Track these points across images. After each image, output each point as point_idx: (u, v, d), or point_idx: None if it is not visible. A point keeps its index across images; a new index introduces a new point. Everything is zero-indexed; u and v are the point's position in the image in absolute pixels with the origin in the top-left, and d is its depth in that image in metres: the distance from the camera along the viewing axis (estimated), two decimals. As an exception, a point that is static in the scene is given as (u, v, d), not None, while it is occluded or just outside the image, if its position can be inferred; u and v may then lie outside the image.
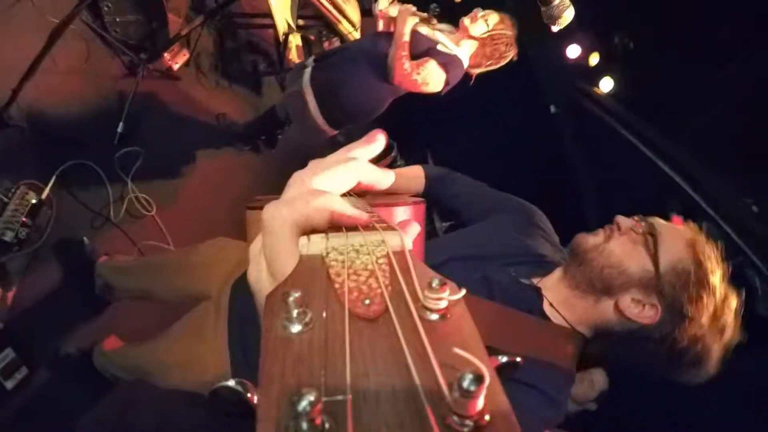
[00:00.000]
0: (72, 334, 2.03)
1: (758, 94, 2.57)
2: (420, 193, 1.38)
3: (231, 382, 0.27)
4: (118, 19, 2.42)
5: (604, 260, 1.02)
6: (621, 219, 1.06)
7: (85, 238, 2.15)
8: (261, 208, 0.38)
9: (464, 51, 2.27)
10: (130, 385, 1.87)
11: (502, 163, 3.09)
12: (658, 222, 1.04)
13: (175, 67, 2.70)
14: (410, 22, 2.14)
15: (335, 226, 0.38)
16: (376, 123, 3.61)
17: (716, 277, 0.97)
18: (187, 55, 2.77)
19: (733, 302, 0.99)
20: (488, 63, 2.35)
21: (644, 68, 3.39)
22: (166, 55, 2.58)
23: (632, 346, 1.02)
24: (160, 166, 2.65)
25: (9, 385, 1.79)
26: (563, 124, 4.13)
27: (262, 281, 0.38)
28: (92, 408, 1.99)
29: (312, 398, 0.20)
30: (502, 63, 2.37)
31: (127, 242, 2.41)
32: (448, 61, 2.18)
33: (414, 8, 2.19)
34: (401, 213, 0.51)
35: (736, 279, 1.03)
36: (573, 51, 3.83)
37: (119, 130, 2.40)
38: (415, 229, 0.41)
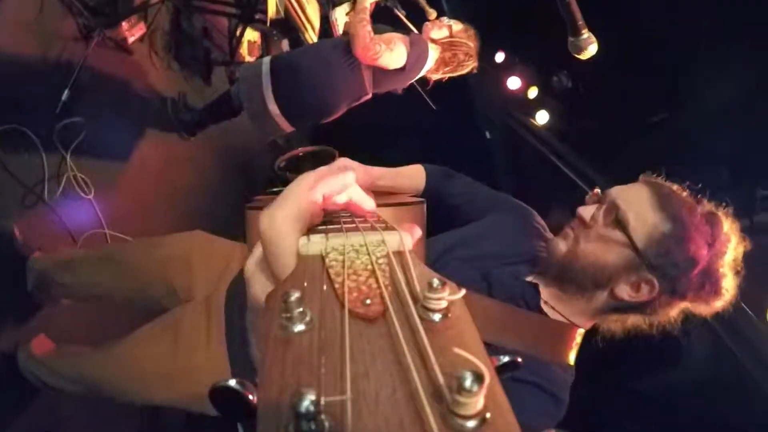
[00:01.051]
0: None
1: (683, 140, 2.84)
2: (420, 191, 1.36)
3: (231, 382, 0.27)
4: (81, -24, 2.17)
5: (582, 262, 1.01)
6: (582, 211, 1.05)
7: (16, 229, 1.86)
8: (261, 208, 0.38)
9: None
10: (58, 396, 1.66)
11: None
12: (616, 195, 1.02)
13: (130, 39, 2.46)
14: None
15: (327, 210, 0.39)
16: (322, 131, 3.50)
17: (695, 217, 0.97)
18: (144, 30, 2.55)
19: (723, 224, 0.99)
20: (446, 69, 2.35)
21: (579, 106, 3.64)
22: (124, 24, 2.33)
23: (646, 311, 1.02)
24: (101, 145, 2.40)
25: None
26: (497, 149, 4.33)
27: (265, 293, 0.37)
28: (9, 416, 1.75)
29: (312, 398, 0.20)
30: (460, 72, 2.39)
31: (59, 225, 2.11)
32: (409, 34, 2.19)
33: None
34: (402, 213, 0.51)
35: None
36: (514, 83, 4.03)
37: (63, 98, 2.14)
38: (417, 233, 0.41)
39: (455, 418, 0.21)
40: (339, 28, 3.03)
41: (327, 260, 0.33)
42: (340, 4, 3.28)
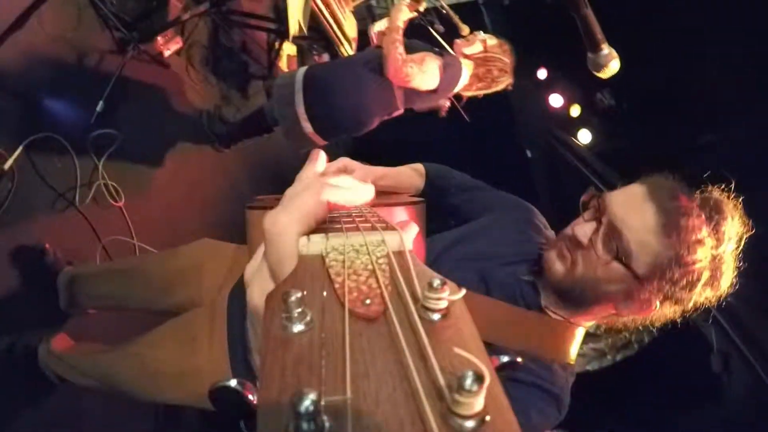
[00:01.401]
0: (18, 326, 1.82)
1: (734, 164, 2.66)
2: (420, 190, 1.36)
3: (231, 382, 0.27)
4: (116, -9, 2.25)
5: (581, 286, 0.97)
6: (579, 233, 0.98)
7: (47, 245, 1.94)
8: (262, 208, 0.41)
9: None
10: (77, 392, 1.73)
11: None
12: (616, 215, 0.94)
13: (166, 53, 2.55)
14: (404, 12, 2.11)
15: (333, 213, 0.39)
16: (359, 147, 3.48)
17: (701, 230, 0.91)
18: (180, 44, 2.63)
19: (728, 218, 0.93)
20: (480, 85, 2.30)
21: (623, 126, 3.49)
22: (159, 38, 2.42)
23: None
24: (134, 155, 2.49)
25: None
26: (538, 168, 4.21)
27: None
28: (28, 410, 1.78)
29: (312, 398, 0.20)
30: (495, 88, 2.33)
31: (88, 231, 2.18)
32: (443, 54, 2.13)
33: (407, 2, 2.15)
34: (401, 213, 0.51)
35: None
36: (556, 100, 3.92)
37: (98, 108, 2.23)
38: (414, 229, 0.41)
39: (455, 418, 0.21)
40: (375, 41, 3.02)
41: (327, 260, 0.33)
42: (381, 18, 3.30)
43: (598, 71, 1.35)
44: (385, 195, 0.87)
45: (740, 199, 0.97)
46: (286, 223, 0.36)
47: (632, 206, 0.95)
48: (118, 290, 1.64)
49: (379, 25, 2.75)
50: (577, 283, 0.97)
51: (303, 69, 2.30)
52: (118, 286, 1.64)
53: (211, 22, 3.00)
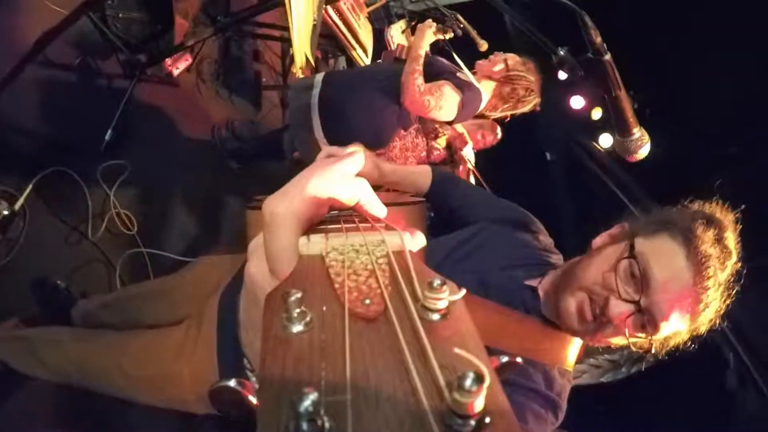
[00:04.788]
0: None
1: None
2: (424, 192, 1.39)
3: (231, 382, 0.27)
4: (120, 15, 2.28)
5: (595, 343, 1.00)
6: (613, 312, 0.91)
7: (59, 282, 1.92)
8: (261, 207, 0.39)
9: (482, 88, 2.14)
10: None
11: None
12: (664, 315, 0.89)
13: (176, 72, 2.50)
14: (428, 37, 2.04)
15: (332, 208, 0.39)
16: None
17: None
18: (189, 61, 2.57)
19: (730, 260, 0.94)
20: (505, 106, 2.21)
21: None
22: (167, 59, 2.35)
23: None
24: (146, 180, 2.47)
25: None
26: (557, 172, 4.09)
27: (262, 271, 0.38)
28: None
29: (312, 398, 0.20)
30: (521, 109, 2.25)
31: (103, 262, 2.17)
32: (464, 87, 2.03)
33: (434, 25, 2.08)
34: (401, 212, 0.50)
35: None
36: (577, 102, 3.79)
37: (107, 138, 2.19)
38: (421, 239, 0.41)
39: (455, 418, 0.21)
40: (394, 46, 2.93)
41: (327, 260, 0.33)
42: (399, 20, 3.19)
43: (627, 156, 1.24)
44: (385, 194, 0.86)
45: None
46: (283, 210, 0.36)
47: (679, 303, 0.90)
48: (130, 316, 1.61)
49: (396, 29, 2.64)
50: (594, 341, 0.99)
51: (319, 81, 2.21)
52: (131, 311, 1.61)
53: (224, 38, 2.91)
